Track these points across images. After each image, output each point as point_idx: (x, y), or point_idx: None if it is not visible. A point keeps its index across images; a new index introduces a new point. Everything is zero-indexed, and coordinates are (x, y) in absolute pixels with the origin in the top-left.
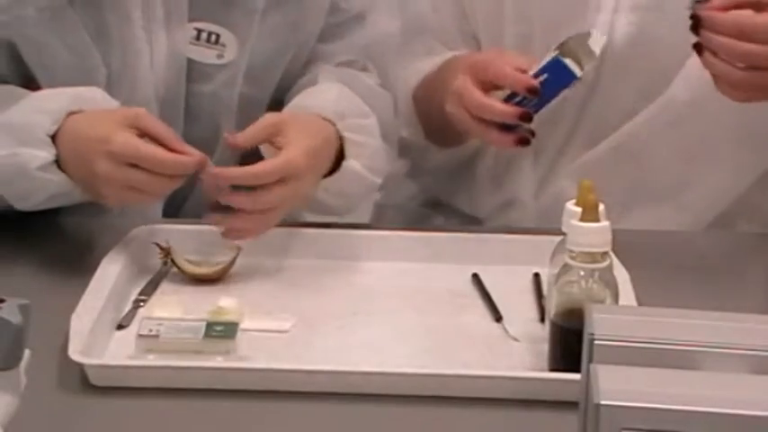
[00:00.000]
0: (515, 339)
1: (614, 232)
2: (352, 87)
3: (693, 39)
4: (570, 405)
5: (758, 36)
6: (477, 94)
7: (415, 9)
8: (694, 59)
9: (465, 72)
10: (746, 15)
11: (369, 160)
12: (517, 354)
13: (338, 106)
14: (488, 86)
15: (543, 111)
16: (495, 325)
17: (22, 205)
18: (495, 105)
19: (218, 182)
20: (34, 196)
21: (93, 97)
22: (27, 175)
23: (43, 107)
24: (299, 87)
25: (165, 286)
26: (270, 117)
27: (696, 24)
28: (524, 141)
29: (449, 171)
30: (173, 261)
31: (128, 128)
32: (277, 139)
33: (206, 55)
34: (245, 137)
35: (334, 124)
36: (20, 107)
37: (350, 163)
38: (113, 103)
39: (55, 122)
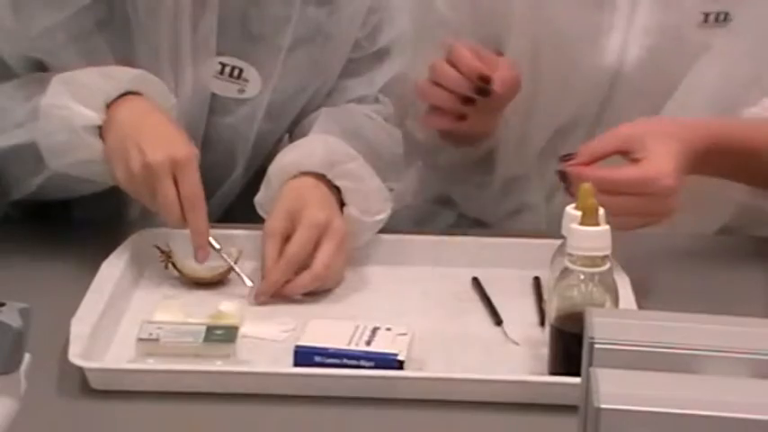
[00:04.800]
0: (515, 343)
1: (614, 235)
2: (356, 132)
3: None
4: (570, 409)
5: (622, 190)
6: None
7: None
8: (686, 84)
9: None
10: (608, 172)
11: (364, 203)
12: (517, 357)
13: (325, 157)
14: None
15: (557, 121)
16: (496, 329)
17: (53, 163)
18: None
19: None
20: (66, 156)
21: (157, 88)
22: (70, 131)
23: (110, 73)
24: (300, 128)
25: (164, 290)
26: (272, 231)
27: (564, 179)
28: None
29: (461, 174)
30: (173, 264)
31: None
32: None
33: (228, 89)
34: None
35: (324, 176)
36: (87, 71)
37: (349, 209)
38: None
39: (117, 90)
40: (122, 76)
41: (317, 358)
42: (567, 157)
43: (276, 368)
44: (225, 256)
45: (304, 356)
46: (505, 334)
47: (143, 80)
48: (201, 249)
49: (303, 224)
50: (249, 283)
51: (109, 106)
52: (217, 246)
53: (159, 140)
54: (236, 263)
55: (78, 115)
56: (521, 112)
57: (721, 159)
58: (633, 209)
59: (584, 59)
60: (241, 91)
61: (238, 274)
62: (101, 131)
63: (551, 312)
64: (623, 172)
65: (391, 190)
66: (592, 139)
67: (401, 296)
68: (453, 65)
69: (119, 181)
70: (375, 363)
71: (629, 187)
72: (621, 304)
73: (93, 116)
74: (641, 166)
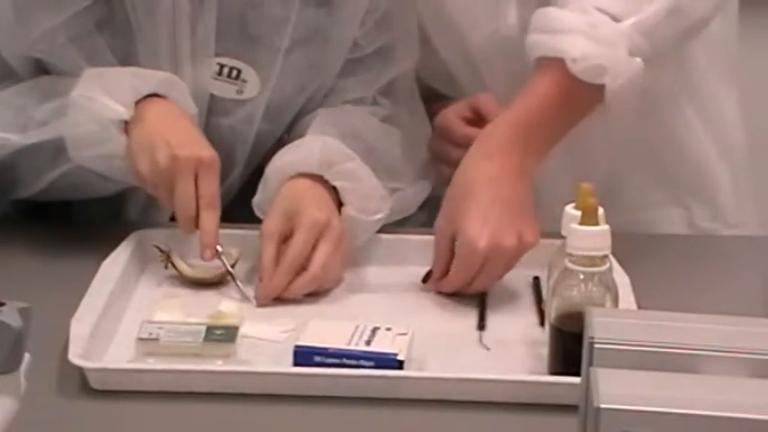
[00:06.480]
0: (487, 348)
1: (614, 235)
2: (354, 133)
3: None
4: (570, 409)
5: (463, 276)
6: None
7: None
8: None
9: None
10: (454, 275)
11: (362, 203)
12: (517, 357)
13: (322, 158)
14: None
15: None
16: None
17: (76, 154)
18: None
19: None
20: (91, 148)
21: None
22: (98, 122)
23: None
24: (297, 129)
25: (165, 289)
26: (270, 232)
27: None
28: None
29: None
30: (173, 264)
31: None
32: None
33: (226, 90)
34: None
35: (321, 176)
36: (118, 69)
37: (346, 209)
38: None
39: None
40: (152, 77)
41: (317, 358)
42: (426, 278)
43: (276, 368)
44: (234, 275)
45: (304, 356)
46: (480, 338)
47: (171, 84)
48: (209, 248)
49: (302, 226)
50: (254, 303)
51: (136, 104)
52: (221, 251)
53: (187, 139)
54: (235, 264)
55: (108, 108)
56: None
57: (544, 124)
58: (492, 276)
59: (486, 33)
60: (239, 92)
61: (241, 292)
62: (126, 127)
63: (551, 312)
64: (457, 263)
65: (396, 190)
66: None
67: (401, 296)
68: (449, 141)
69: (140, 173)
70: (375, 363)
71: (466, 271)
72: (621, 304)
73: (122, 111)
74: (457, 248)
